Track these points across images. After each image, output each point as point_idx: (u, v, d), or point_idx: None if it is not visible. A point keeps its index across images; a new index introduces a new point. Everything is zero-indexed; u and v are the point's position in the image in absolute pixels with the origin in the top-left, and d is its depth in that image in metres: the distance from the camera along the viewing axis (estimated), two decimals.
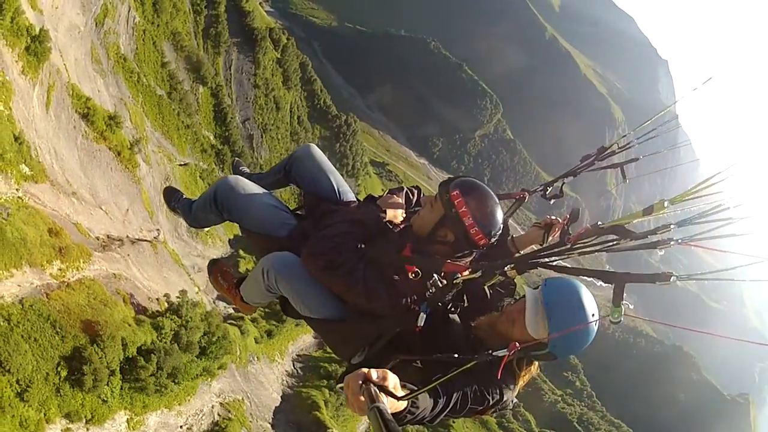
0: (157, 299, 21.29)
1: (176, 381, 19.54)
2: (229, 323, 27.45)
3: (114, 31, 38.16)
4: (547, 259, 2.56)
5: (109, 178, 23.29)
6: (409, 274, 2.94)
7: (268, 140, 64.33)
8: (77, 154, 20.73)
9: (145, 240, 23.23)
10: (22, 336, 13.32)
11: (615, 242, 2.30)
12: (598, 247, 2.41)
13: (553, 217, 3.51)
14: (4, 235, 13.67)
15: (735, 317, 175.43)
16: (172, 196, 4.19)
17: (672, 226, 2.12)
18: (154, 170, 34.67)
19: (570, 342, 2.77)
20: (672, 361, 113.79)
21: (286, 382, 32.62)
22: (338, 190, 3.72)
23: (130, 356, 17.62)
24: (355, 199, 3.80)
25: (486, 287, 3.12)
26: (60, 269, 15.31)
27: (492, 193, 3.13)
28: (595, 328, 2.77)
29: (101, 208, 21.40)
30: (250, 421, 23.74)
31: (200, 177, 47.42)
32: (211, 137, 53.75)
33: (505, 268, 2.61)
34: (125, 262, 19.73)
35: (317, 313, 3.20)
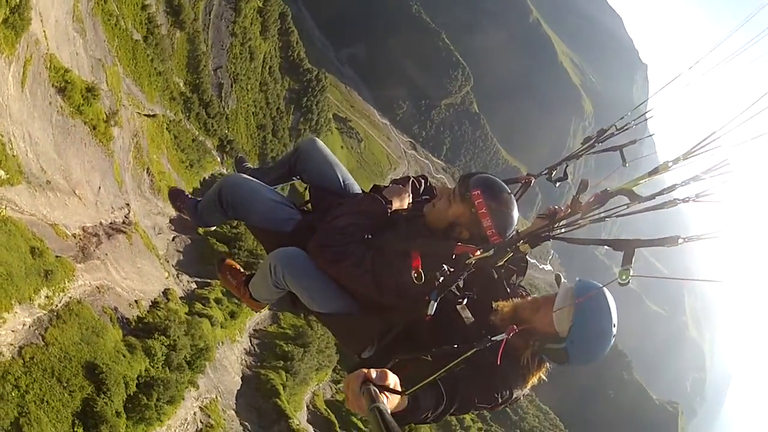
0: (137, 302, 21.55)
1: (172, 403, 20.22)
2: (197, 313, 27.53)
3: None
4: (557, 231, 2.62)
5: (82, 155, 22.66)
6: (413, 273, 2.91)
7: (237, 90, 62.78)
8: (52, 133, 20.01)
9: (120, 230, 23.09)
10: (35, 402, 13.34)
11: (624, 206, 2.39)
12: (607, 213, 2.45)
13: (556, 207, 3.51)
14: None
15: (674, 323, 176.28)
16: (177, 198, 4.22)
17: (677, 186, 2.19)
18: (125, 130, 33.88)
19: (588, 343, 2.79)
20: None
21: (245, 361, 32.93)
22: (344, 182, 3.76)
23: (132, 394, 18.03)
24: (361, 191, 3.80)
25: (496, 268, 3.24)
26: (47, 296, 15.29)
27: (510, 192, 3.22)
28: (613, 340, 2.83)
29: (75, 193, 21.07)
30: (224, 419, 24.61)
31: (167, 129, 46.29)
32: (181, 84, 52.10)
33: (518, 243, 2.66)
34: (105, 267, 19.75)
35: (326, 308, 3.20)
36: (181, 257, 37.60)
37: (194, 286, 33.51)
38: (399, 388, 2.07)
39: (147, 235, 28.15)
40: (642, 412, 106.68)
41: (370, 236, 3.24)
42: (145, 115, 42.07)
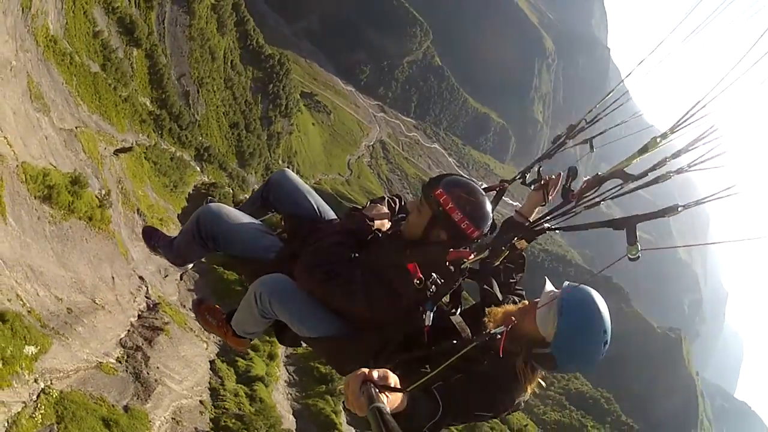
0: (202, 402, 20.49)
1: None
2: (246, 375, 26.67)
3: (42, 10, 33.93)
4: (552, 223, 2.64)
5: (86, 253, 21.01)
6: (414, 280, 2.88)
7: (204, 94, 60.11)
8: (50, 249, 18.30)
9: (157, 329, 21.86)
10: None
11: (618, 187, 2.42)
12: (602, 197, 2.50)
13: (548, 176, 3.56)
14: None
15: (663, 249, 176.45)
16: (151, 237, 4.14)
17: (667, 160, 2.25)
18: (111, 184, 32.04)
19: (573, 348, 2.69)
20: (601, 292, 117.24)
21: (291, 395, 32.47)
22: (318, 209, 3.74)
23: None
24: (336, 217, 3.78)
25: (486, 288, 3.26)
26: None
27: (476, 185, 3.17)
28: (605, 349, 2.69)
29: (96, 303, 19.57)
30: None
31: (145, 158, 44.28)
32: (148, 103, 49.72)
33: (513, 240, 2.69)
34: (165, 388, 18.44)
35: (317, 332, 3.13)
36: (195, 296, 36.65)
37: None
38: (399, 387, 2.07)
39: (174, 309, 26.93)
40: (645, 343, 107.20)
41: (356, 255, 3.18)
42: (119, 151, 40.06)
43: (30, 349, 13.63)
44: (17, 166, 17.65)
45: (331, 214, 3.78)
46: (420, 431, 2.50)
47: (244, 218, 3.56)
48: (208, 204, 3.67)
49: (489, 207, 3.13)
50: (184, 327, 26.60)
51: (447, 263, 2.93)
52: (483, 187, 3.38)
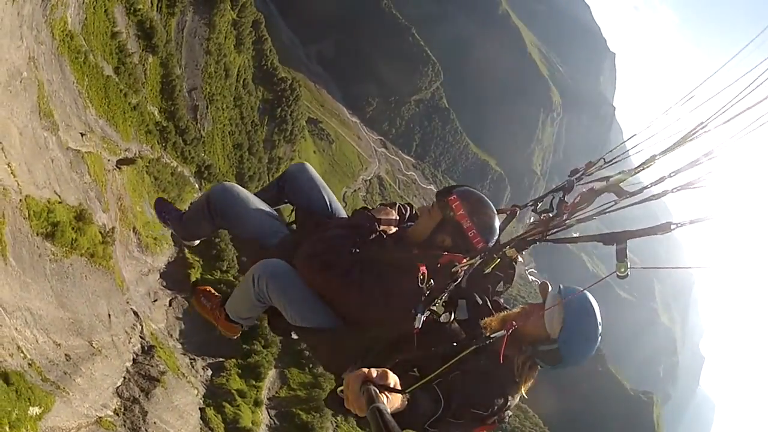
0: None
1: None
2: (234, 425, 25.78)
3: (63, 2, 31.85)
4: (545, 235, 2.65)
5: (84, 290, 19.08)
6: (419, 275, 2.90)
7: (212, 111, 57.76)
8: (50, 288, 16.47)
9: (154, 379, 20.15)
10: None
11: (612, 203, 2.43)
12: (595, 211, 2.53)
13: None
14: None
15: (644, 310, 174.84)
16: (163, 209, 4.13)
17: (666, 177, 2.24)
18: (110, 200, 29.47)
19: (579, 341, 2.88)
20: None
21: None
22: (331, 205, 3.79)
23: None
24: (347, 216, 3.80)
25: (479, 294, 3.30)
26: None
27: (489, 201, 3.26)
28: (600, 339, 2.95)
29: (93, 346, 17.32)
30: None
31: (147, 172, 41.71)
32: (156, 113, 47.38)
33: (505, 248, 2.85)
34: None
35: (309, 322, 3.14)
36: (183, 325, 34.90)
37: (210, 372, 31.07)
38: (399, 387, 2.08)
39: (168, 353, 25.22)
40: (616, 404, 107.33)
41: (357, 250, 3.20)
42: (122, 162, 37.52)
43: (34, 410, 12.79)
44: (21, 200, 15.57)
45: (342, 213, 3.84)
46: (421, 428, 2.51)
47: (256, 200, 3.59)
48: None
49: (498, 223, 3.26)
50: (177, 373, 24.82)
51: (439, 266, 2.98)
52: (497, 209, 3.46)
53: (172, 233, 4.12)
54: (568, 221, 2.57)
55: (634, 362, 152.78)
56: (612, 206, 2.40)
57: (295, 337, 3.47)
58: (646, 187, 2.31)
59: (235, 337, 3.96)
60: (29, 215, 15.43)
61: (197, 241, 4.14)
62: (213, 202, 3.52)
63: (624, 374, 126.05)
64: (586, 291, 2.89)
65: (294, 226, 3.73)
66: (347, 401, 1.93)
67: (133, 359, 20.69)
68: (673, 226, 2.11)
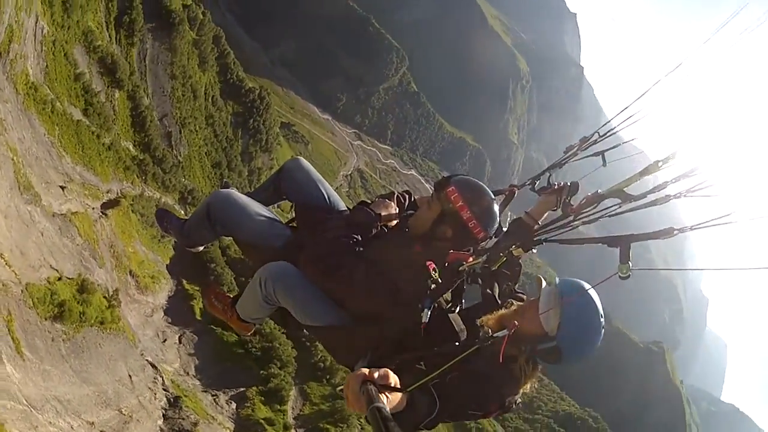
0: None
1: None
2: None
3: (21, 54, 30.87)
4: (551, 234, 2.62)
5: (101, 358, 18.73)
6: (430, 270, 2.88)
7: (186, 134, 56.67)
8: (70, 369, 16.12)
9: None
10: None
11: (617, 206, 2.45)
12: (600, 214, 2.54)
13: (561, 182, 3.49)
14: None
15: (641, 261, 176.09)
16: (164, 219, 4.13)
17: (668, 183, 2.23)
18: (103, 250, 28.79)
19: (578, 337, 2.81)
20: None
21: None
22: (329, 199, 3.77)
23: None
24: (346, 208, 3.81)
25: (485, 289, 3.23)
26: None
27: (487, 188, 3.28)
28: (603, 332, 2.84)
29: (123, 413, 16.97)
30: None
31: (132, 211, 40.80)
32: (131, 147, 46.35)
33: (511, 247, 2.67)
34: None
35: (318, 321, 3.15)
36: (197, 361, 34.60)
37: (234, 405, 30.71)
38: (399, 388, 2.07)
39: (194, 400, 24.60)
40: (629, 359, 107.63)
41: (360, 248, 3.22)
42: (106, 206, 36.72)
43: None
44: (22, 291, 15.01)
45: (341, 206, 3.83)
46: (417, 428, 2.50)
47: (254, 205, 3.57)
48: (220, 189, 3.74)
49: (497, 210, 3.29)
50: (207, 418, 24.44)
51: (446, 264, 2.94)
52: (493, 190, 3.50)
53: (174, 241, 4.12)
54: (574, 223, 2.60)
55: (638, 316, 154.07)
56: (616, 209, 2.44)
57: (306, 332, 3.48)
58: (650, 192, 2.32)
59: (249, 334, 3.96)
60: (34, 303, 14.95)
61: (201, 247, 4.13)
62: (212, 213, 3.55)
63: (631, 329, 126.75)
64: (582, 282, 2.84)
65: (294, 224, 3.75)
66: (347, 401, 1.92)
67: (163, 415, 20.33)
68: (675, 231, 2.14)
